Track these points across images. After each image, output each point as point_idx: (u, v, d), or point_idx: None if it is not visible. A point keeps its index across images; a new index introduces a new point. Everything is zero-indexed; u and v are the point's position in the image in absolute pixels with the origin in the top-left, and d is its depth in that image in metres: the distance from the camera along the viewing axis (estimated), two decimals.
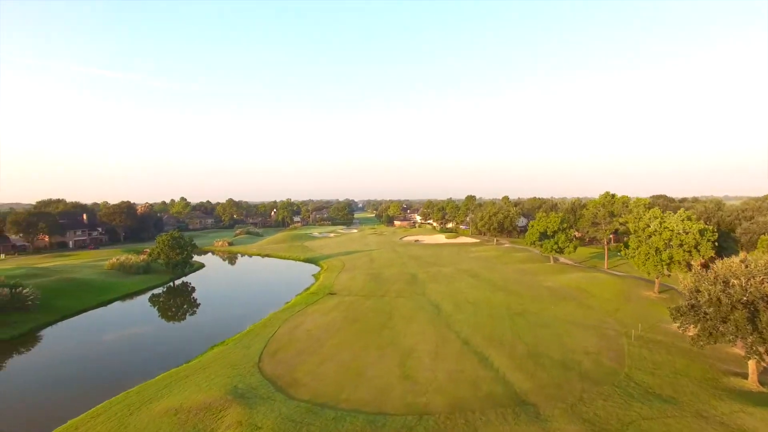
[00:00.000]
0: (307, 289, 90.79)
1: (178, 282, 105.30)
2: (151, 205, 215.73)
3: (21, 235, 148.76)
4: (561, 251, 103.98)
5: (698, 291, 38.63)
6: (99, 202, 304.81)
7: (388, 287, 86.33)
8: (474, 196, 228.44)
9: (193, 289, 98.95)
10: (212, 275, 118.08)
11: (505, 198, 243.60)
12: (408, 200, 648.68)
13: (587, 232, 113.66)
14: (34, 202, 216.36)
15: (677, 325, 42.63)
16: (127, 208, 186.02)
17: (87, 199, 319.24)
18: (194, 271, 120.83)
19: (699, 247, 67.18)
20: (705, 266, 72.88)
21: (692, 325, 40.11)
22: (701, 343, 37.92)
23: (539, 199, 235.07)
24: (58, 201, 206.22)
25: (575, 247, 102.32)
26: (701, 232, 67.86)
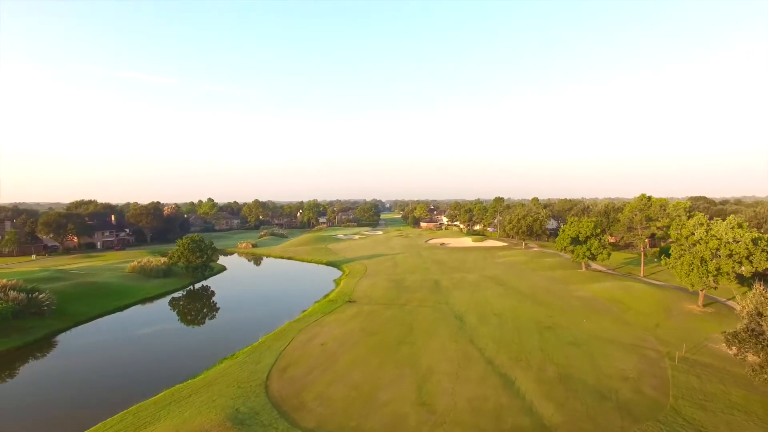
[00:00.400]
0: (327, 295, 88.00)
1: (198, 286, 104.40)
2: (177, 206, 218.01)
3: (51, 235, 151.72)
4: (594, 258, 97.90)
5: (761, 315, 33.49)
6: (131, 202, 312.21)
7: (410, 295, 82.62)
8: (502, 198, 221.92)
9: (212, 293, 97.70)
10: (232, 279, 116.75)
11: (535, 200, 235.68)
12: (435, 201, 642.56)
13: (622, 237, 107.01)
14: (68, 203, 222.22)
15: (733, 351, 37.43)
16: (153, 209, 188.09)
17: (121, 200, 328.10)
18: (215, 274, 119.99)
19: (751, 258, 60.81)
20: (760, 276, 66.27)
21: (751, 353, 34.97)
22: (766, 376, 32.80)
23: (570, 200, 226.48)
24: (90, 202, 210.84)
25: (609, 254, 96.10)
26: (754, 241, 61.45)
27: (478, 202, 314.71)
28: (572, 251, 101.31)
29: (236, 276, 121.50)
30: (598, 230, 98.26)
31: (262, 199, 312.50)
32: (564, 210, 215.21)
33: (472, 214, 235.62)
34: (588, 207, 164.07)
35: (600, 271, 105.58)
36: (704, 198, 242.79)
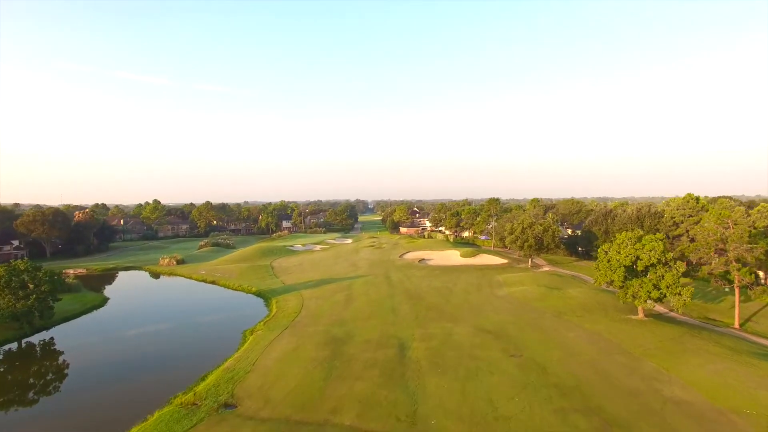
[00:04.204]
0: (202, 379, 48.25)
1: (32, 340, 64.89)
2: (92, 211, 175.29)
3: None
4: (661, 299, 59.84)
5: None
6: (112, 204, 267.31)
7: (345, 388, 43.31)
8: (497, 199, 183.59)
9: (28, 364, 57.93)
10: (94, 327, 75.13)
11: (534, 201, 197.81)
12: (421, 201, 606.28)
13: (701, 263, 68.94)
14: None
15: None
16: (52, 214, 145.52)
17: (77, 201, 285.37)
18: (84, 312, 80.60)
19: None
20: None
21: None
22: None
23: (578, 201, 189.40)
24: None
25: (691, 294, 57.82)
26: None
27: (466, 203, 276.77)
28: (621, 286, 63.02)
29: (107, 320, 79.94)
30: (669, 254, 59.87)
31: (242, 200, 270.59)
32: (571, 213, 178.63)
33: (460, 219, 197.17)
34: (612, 211, 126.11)
35: (661, 314, 67.71)
36: (729, 199, 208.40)
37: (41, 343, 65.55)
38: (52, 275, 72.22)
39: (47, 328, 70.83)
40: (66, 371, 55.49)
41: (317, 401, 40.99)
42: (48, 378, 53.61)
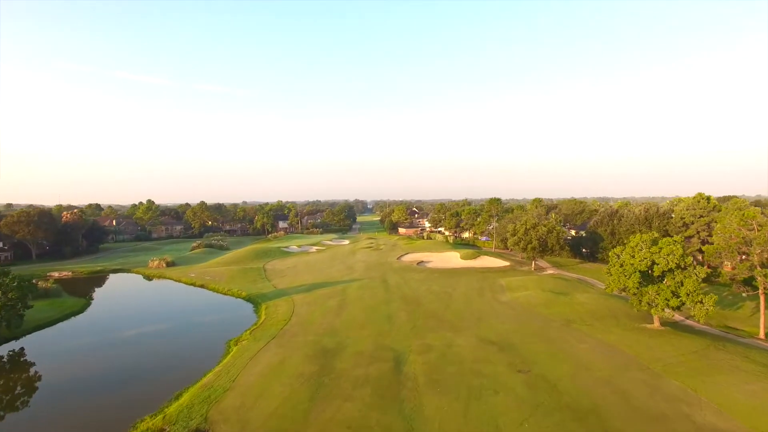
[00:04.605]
0: (168, 405, 43.23)
1: (4, 351, 59.86)
2: (81, 211, 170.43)
3: None
4: (680, 307, 55.08)
5: None
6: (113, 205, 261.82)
7: (333, 410, 38.59)
8: (499, 199, 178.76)
9: None
10: (71, 333, 70.55)
11: (537, 201, 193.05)
12: (420, 201, 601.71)
13: (713, 266, 64.21)
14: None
15: None
16: (37, 215, 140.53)
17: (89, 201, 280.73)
18: (51, 323, 74.82)
19: None
20: None
21: None
22: None
23: (581, 201, 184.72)
24: None
25: (714, 303, 53.03)
26: None
27: (466, 203, 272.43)
28: (637, 294, 58.19)
29: (84, 328, 74.78)
30: (689, 259, 55.14)
31: (241, 200, 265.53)
32: (573, 213, 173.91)
33: (460, 219, 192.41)
34: (617, 211, 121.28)
35: (677, 322, 63.02)
36: (734, 198, 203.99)
37: (9, 355, 60.67)
38: (22, 280, 67.03)
39: (16, 338, 65.92)
40: (27, 388, 50.53)
41: (301, 425, 36.29)
42: (4, 396, 48.65)
